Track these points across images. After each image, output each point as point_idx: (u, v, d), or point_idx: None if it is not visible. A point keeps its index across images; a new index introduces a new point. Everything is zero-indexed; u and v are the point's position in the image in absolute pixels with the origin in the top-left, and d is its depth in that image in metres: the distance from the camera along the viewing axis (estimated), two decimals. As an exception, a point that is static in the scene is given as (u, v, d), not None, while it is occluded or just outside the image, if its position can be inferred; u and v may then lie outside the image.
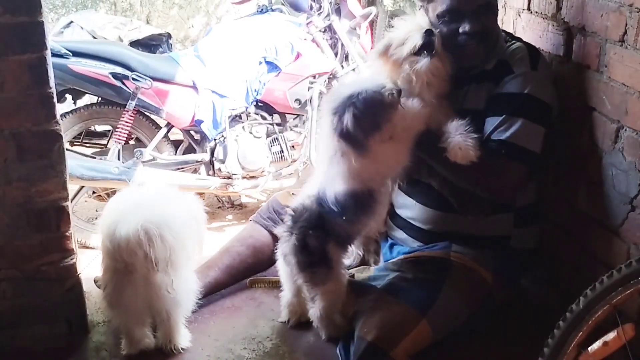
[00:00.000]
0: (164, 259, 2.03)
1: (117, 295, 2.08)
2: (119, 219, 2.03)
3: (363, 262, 2.49)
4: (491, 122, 2.07)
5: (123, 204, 2.13)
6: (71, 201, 2.34)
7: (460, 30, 2.09)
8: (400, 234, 2.35)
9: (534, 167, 2.11)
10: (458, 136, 1.98)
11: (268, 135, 3.36)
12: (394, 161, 2.03)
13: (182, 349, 2.19)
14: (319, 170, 2.12)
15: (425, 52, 2.05)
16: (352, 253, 2.43)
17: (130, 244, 1.98)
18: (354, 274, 2.32)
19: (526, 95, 2.05)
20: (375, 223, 2.16)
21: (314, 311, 2.16)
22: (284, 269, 2.21)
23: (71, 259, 2.21)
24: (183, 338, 2.21)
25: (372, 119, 1.88)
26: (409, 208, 2.30)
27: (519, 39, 2.25)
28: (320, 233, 2.03)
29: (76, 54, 3.01)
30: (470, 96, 2.17)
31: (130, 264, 2.02)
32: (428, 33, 2.06)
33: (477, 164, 1.99)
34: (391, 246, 2.39)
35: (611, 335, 1.54)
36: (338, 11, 3.54)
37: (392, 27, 2.22)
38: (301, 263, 2.08)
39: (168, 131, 3.24)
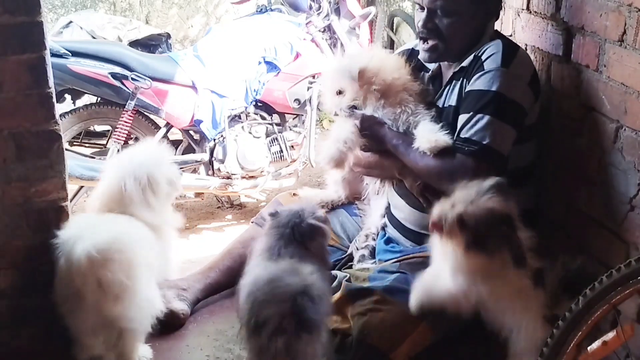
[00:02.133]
0: (119, 284, 1.89)
1: (70, 315, 1.99)
2: (70, 242, 1.92)
3: (351, 259, 2.47)
4: (459, 120, 2.05)
5: (77, 225, 2.04)
6: (70, 201, 2.34)
7: (417, 22, 2.13)
8: (394, 233, 2.35)
9: (498, 166, 2.00)
10: (426, 127, 2.05)
11: (267, 135, 3.36)
12: None
13: None
14: None
15: None
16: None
17: (81, 270, 1.85)
18: (350, 278, 2.30)
19: (495, 92, 2.00)
20: None
21: None
22: None
23: (70, 259, 2.20)
24: (143, 354, 2.12)
25: None
26: (401, 209, 2.31)
27: (504, 38, 2.21)
28: None
29: (75, 54, 3.01)
30: (447, 93, 2.17)
31: (81, 290, 1.90)
32: None
33: (442, 162, 2.00)
34: (387, 241, 2.39)
35: (610, 335, 1.54)
36: (337, 11, 3.54)
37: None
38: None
39: (167, 131, 3.24)
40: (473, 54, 2.12)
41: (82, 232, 1.95)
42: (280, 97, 3.35)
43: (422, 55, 2.18)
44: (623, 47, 1.90)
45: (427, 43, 2.13)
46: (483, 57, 2.08)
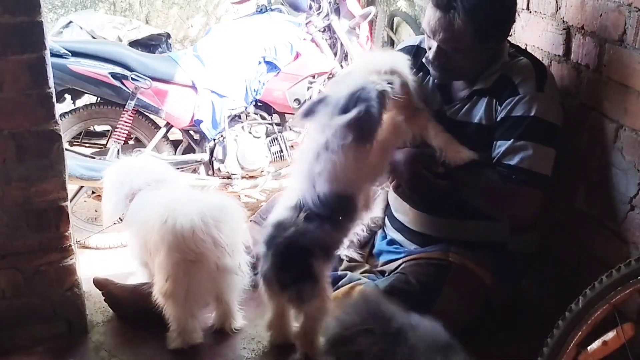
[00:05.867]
0: (232, 243, 2.13)
1: (182, 286, 2.11)
2: (174, 212, 2.08)
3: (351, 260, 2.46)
4: (500, 147, 2.05)
5: (172, 199, 2.20)
6: (70, 201, 2.34)
7: (427, 48, 2.10)
8: (397, 236, 2.35)
9: (546, 190, 2.08)
10: (448, 140, 2.04)
11: (267, 135, 3.36)
12: (378, 165, 2.04)
13: (236, 329, 2.30)
14: (295, 181, 2.05)
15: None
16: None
17: (196, 234, 2.04)
18: (347, 273, 2.31)
19: (533, 117, 2.01)
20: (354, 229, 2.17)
21: (297, 330, 2.13)
22: (265, 289, 2.09)
23: (70, 259, 2.21)
24: (239, 318, 2.31)
25: (379, 115, 1.90)
26: (405, 213, 2.30)
27: (527, 54, 2.20)
28: (301, 246, 1.94)
29: (75, 54, 3.01)
30: (468, 109, 2.14)
31: (200, 253, 2.08)
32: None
33: (491, 191, 2.04)
34: (390, 242, 2.39)
35: (610, 335, 1.55)
36: (337, 11, 3.54)
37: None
38: (283, 280, 1.99)
39: (167, 131, 3.24)
40: (499, 74, 2.09)
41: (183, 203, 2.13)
42: (280, 97, 3.35)
43: (434, 76, 2.15)
44: (623, 47, 1.91)
45: (440, 71, 2.11)
46: (515, 80, 2.06)
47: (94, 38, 4.24)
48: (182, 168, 3.24)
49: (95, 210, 3.42)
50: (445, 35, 2.00)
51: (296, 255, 1.95)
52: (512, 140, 2.02)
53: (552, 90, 2.09)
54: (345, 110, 1.88)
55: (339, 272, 2.35)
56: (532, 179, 2.01)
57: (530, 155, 2.00)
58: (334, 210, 1.95)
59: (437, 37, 2.02)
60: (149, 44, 4.31)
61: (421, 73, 2.23)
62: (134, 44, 4.18)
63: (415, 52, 2.28)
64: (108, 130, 3.41)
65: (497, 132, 2.07)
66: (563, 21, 2.23)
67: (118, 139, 3.10)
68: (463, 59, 2.05)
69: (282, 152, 3.36)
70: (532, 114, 2.02)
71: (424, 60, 2.16)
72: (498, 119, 2.07)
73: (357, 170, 1.94)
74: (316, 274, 1.96)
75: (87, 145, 3.43)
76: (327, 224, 1.95)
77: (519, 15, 2.54)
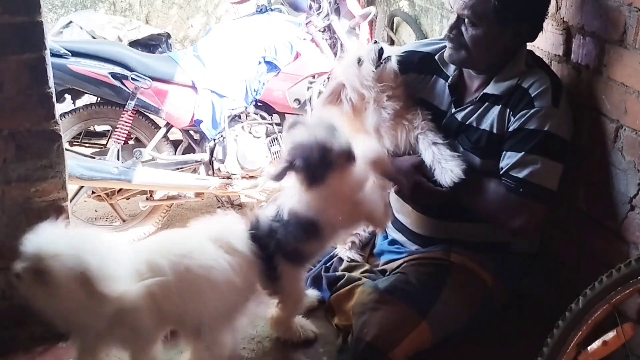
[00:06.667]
0: None
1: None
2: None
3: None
4: (509, 158, 2.03)
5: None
6: (70, 201, 2.34)
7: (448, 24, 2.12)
8: (399, 236, 2.35)
9: (552, 204, 2.07)
10: (441, 156, 2.05)
11: (267, 135, 3.36)
12: (341, 211, 2.01)
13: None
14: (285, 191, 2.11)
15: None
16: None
17: None
18: (345, 274, 2.32)
19: (547, 132, 2.00)
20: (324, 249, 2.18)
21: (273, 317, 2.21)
22: None
23: (70, 259, 2.20)
24: None
25: (321, 169, 1.88)
26: (407, 215, 2.30)
27: (544, 65, 2.17)
28: (269, 248, 2.01)
29: (75, 54, 3.01)
30: (479, 114, 2.13)
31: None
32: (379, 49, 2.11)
33: (494, 202, 2.03)
34: (391, 242, 2.39)
35: (611, 335, 1.55)
36: (337, 11, 3.55)
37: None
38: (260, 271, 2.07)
39: (167, 131, 3.24)
40: (515, 82, 2.07)
41: None
42: (280, 97, 3.35)
43: (446, 54, 2.15)
44: (623, 47, 1.91)
45: (453, 44, 2.11)
46: (531, 93, 2.03)
47: (94, 38, 4.24)
48: (182, 168, 3.25)
49: (95, 210, 3.43)
50: (466, 1, 2.01)
51: (265, 254, 2.01)
52: (523, 153, 2.01)
53: (566, 105, 2.08)
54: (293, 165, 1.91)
55: (338, 273, 2.36)
56: (539, 193, 2.01)
57: (539, 170, 1.99)
58: (297, 226, 1.97)
59: (458, 3, 2.03)
60: (149, 44, 4.31)
61: (429, 76, 2.25)
62: (134, 44, 4.19)
63: (421, 58, 2.28)
64: (108, 130, 3.41)
65: (508, 142, 2.05)
66: (563, 21, 2.23)
67: (118, 139, 3.11)
68: (478, 36, 2.03)
69: (282, 152, 3.36)
70: (545, 128, 2.00)
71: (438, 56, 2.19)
72: (510, 129, 2.06)
73: (320, 203, 1.95)
74: (279, 274, 2.03)
75: (87, 145, 3.43)
76: (294, 236, 1.98)
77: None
